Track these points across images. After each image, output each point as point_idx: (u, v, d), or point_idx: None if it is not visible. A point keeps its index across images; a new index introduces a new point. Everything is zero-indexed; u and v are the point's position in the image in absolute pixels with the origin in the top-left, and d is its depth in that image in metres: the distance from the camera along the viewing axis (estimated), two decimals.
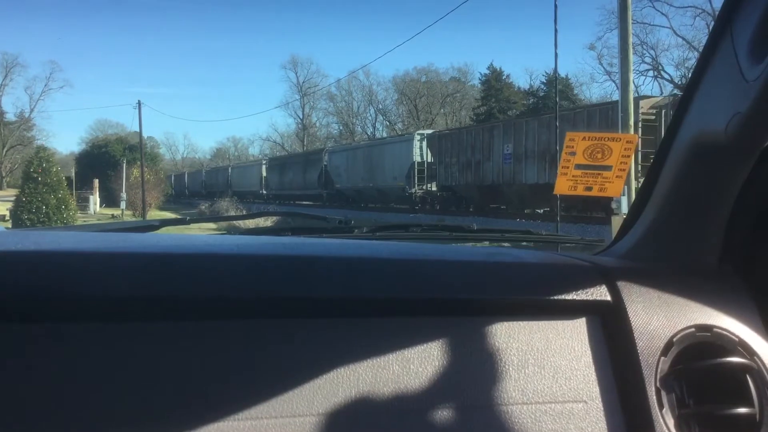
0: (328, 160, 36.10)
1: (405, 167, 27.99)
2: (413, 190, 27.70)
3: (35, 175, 18.78)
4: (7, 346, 0.79)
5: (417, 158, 27.58)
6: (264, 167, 46.50)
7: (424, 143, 27.72)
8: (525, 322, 0.99)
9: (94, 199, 35.38)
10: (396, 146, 29.56)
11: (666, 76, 43.70)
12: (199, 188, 59.08)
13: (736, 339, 1.02)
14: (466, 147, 24.22)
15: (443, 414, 0.90)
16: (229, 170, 54.08)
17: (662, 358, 0.99)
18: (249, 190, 47.21)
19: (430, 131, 31.05)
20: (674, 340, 1.00)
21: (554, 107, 10.81)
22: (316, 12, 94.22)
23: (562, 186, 2.11)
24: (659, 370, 0.98)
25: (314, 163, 38.02)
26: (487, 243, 1.75)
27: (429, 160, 27.32)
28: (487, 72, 55.95)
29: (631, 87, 11.32)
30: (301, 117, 68.31)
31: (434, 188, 27.55)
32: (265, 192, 45.31)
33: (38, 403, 0.77)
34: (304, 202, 39.15)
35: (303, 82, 67.97)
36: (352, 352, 0.90)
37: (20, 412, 0.76)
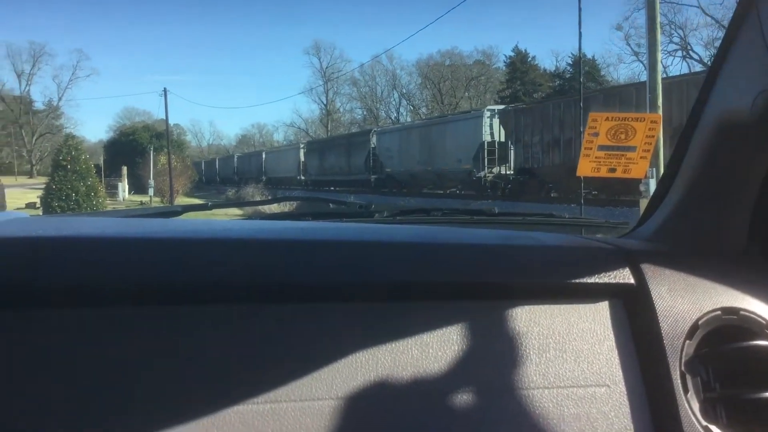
0: (376, 141, 32.92)
1: (472, 148, 24.22)
2: (482, 174, 23.97)
3: (64, 163, 19.02)
4: (27, 331, 0.80)
5: (487, 137, 23.89)
6: (302, 152, 43.53)
7: (496, 120, 23.81)
8: (546, 306, 0.98)
9: (123, 186, 35.73)
10: (461, 124, 25.76)
11: (695, 55, 42.92)
12: (230, 174, 55.84)
13: (763, 322, 1.00)
14: (552, 122, 20.13)
15: (462, 398, 0.89)
16: (263, 155, 51.42)
17: (687, 341, 0.97)
18: (285, 176, 44.77)
19: (501, 106, 26.47)
20: (699, 323, 0.99)
21: (579, 89, 10.68)
22: None
23: (585, 167, 2.08)
24: (684, 354, 0.96)
25: (360, 145, 34.78)
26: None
27: (500, 140, 23.56)
28: (512, 54, 55.54)
29: (659, 67, 11.13)
30: (324, 102, 68.43)
31: (508, 171, 23.58)
32: (303, 178, 42.47)
33: (60, 386, 0.78)
34: (349, 189, 35.17)
35: (326, 67, 68.05)
36: (371, 336, 0.90)
37: (43, 397, 0.78)
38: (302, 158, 42.85)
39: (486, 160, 23.71)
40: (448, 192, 27.19)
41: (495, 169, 23.82)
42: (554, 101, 22.70)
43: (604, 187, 17.55)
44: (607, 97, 18.97)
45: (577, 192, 17.40)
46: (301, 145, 45.48)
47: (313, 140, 52.17)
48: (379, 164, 32.24)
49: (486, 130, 23.96)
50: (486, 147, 23.73)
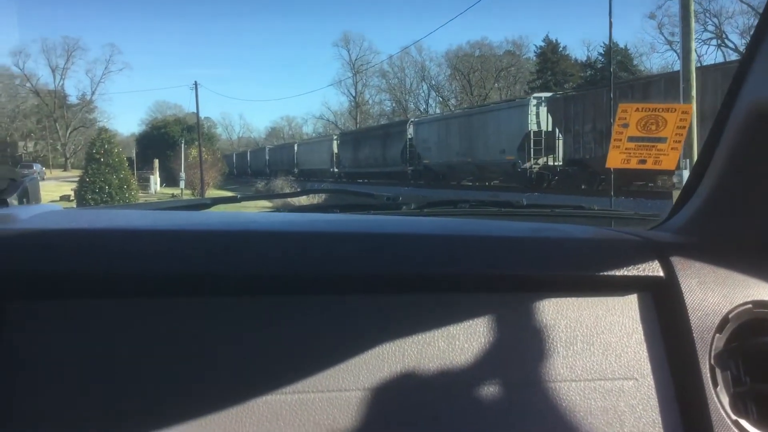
0: (413, 132, 31.32)
1: (517, 138, 22.76)
2: (527, 166, 22.44)
3: (98, 156, 19.33)
4: (64, 321, 0.82)
5: (533, 126, 22.31)
6: (335, 143, 42.10)
7: (543, 108, 22.19)
8: (574, 299, 0.98)
9: (155, 179, 36.12)
10: (504, 113, 24.05)
11: (730, 44, 42.01)
12: (262, 167, 54.56)
13: None
14: (605, 110, 18.03)
15: (489, 390, 0.89)
16: (296, 147, 49.96)
17: (717, 335, 0.96)
18: (318, 168, 43.70)
19: (548, 94, 24.56)
20: (730, 316, 0.97)
21: (610, 78, 10.52)
22: None
23: (615, 159, 2.05)
24: (714, 347, 0.95)
25: (396, 136, 33.41)
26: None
27: (548, 129, 22.02)
28: (543, 44, 54.99)
29: (693, 56, 10.93)
30: (353, 95, 68.47)
31: (556, 162, 22.23)
32: (336, 170, 41.07)
33: (92, 376, 0.80)
34: (384, 181, 34.54)
35: (355, 59, 68.05)
36: (398, 327, 0.91)
37: (65, 388, 0.79)
38: (335, 150, 41.68)
39: (532, 150, 22.19)
40: (490, 184, 25.81)
41: (541, 160, 22.45)
42: (608, 87, 20.46)
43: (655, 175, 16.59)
44: (657, 84, 17.84)
45: (631, 185, 16.87)
46: (335, 137, 44.29)
47: (346, 131, 51.13)
48: (416, 155, 31.04)
49: (532, 119, 22.38)
50: (532, 137, 22.22)
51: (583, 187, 19.57)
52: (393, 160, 33.23)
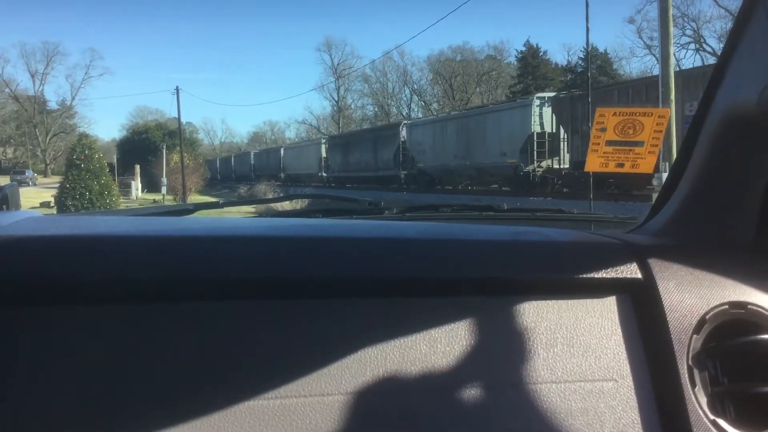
0: (406, 135, 30.31)
1: (519, 140, 21.71)
2: (530, 168, 21.45)
3: (78, 162, 19.14)
4: (40, 328, 0.81)
5: (536, 128, 21.28)
6: (323, 147, 40.97)
7: (547, 108, 21.16)
8: (554, 301, 0.99)
9: (136, 185, 35.83)
10: (505, 114, 22.98)
11: (708, 48, 42.52)
12: (247, 172, 53.98)
13: None
14: (665, 102, 16.27)
15: (470, 393, 0.90)
16: (282, 152, 49.41)
17: (695, 335, 0.97)
18: (306, 173, 42.73)
19: (551, 93, 23.35)
20: (707, 317, 0.99)
21: (587, 82, 10.63)
22: None
23: (593, 163, 2.07)
24: (691, 348, 0.96)
25: (387, 139, 32.19)
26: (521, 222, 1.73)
27: (552, 130, 20.93)
28: (524, 49, 55.39)
29: (672, 60, 11.06)
30: (336, 99, 68.45)
31: (561, 165, 20.94)
32: (325, 175, 39.89)
33: (69, 384, 0.80)
34: (375, 186, 32.40)
35: (338, 64, 68.10)
36: (380, 331, 0.91)
37: (50, 393, 0.79)
38: (324, 154, 40.63)
39: (535, 153, 21.25)
40: (489, 188, 24.60)
41: (545, 163, 21.41)
42: (620, 86, 20.59)
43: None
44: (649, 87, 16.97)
45: (644, 188, 15.53)
46: (323, 140, 43.28)
47: (335, 135, 50.25)
48: (410, 159, 30.01)
49: (535, 119, 21.34)
50: (535, 138, 21.24)
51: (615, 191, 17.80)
52: (385, 163, 32.19)
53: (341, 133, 51.91)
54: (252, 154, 58.38)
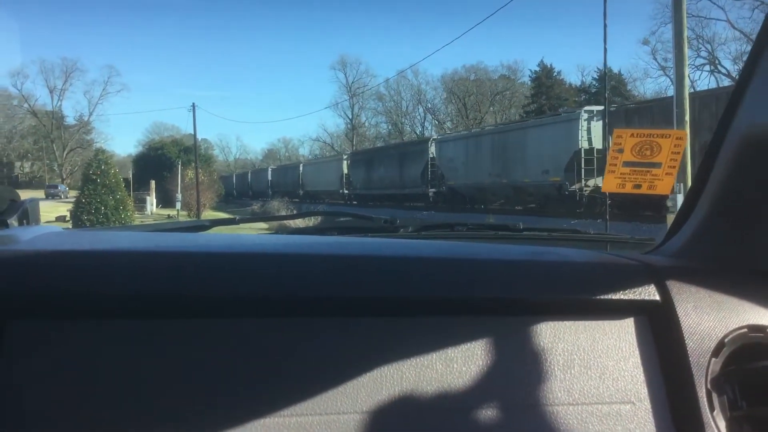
0: (435, 151, 28.54)
1: (564, 156, 19.91)
2: (576, 187, 19.56)
3: (94, 177, 19.31)
4: (57, 342, 0.82)
5: (584, 144, 19.46)
6: (345, 163, 39.39)
7: (596, 123, 19.16)
8: (571, 322, 0.98)
9: (151, 200, 36.05)
10: (549, 129, 20.98)
11: (723, 70, 42.41)
12: (264, 188, 53.02)
13: None
14: (679, 122, 14.30)
15: (486, 414, 0.89)
16: (301, 168, 47.93)
17: (713, 359, 0.96)
18: (325, 190, 41.58)
19: (600, 107, 19.65)
20: (726, 340, 0.98)
21: (604, 102, 10.60)
22: (365, 12, 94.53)
23: (610, 184, 2.06)
24: (710, 372, 0.96)
25: (415, 155, 30.48)
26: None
27: (600, 146, 18.57)
28: (538, 69, 55.41)
29: (687, 82, 11.03)
30: (350, 117, 68.70)
31: None
32: (346, 192, 38.63)
33: (84, 396, 0.80)
34: (402, 204, 31.59)
35: (352, 82, 68.33)
36: (396, 350, 0.91)
37: (63, 406, 0.79)
38: (345, 170, 39.21)
39: (583, 170, 19.34)
40: (527, 207, 22.63)
41: (592, 182, 19.36)
42: (655, 103, 19.02)
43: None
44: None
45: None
46: (345, 156, 41.60)
47: (358, 151, 48.97)
48: (438, 176, 28.37)
49: (583, 134, 19.48)
50: (583, 155, 19.38)
51: (647, 213, 16.82)
52: (412, 181, 30.59)
53: (364, 149, 50.73)
54: (269, 170, 57.38)
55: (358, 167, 37.85)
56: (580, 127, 19.45)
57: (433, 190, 28.99)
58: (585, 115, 19.72)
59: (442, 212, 24.92)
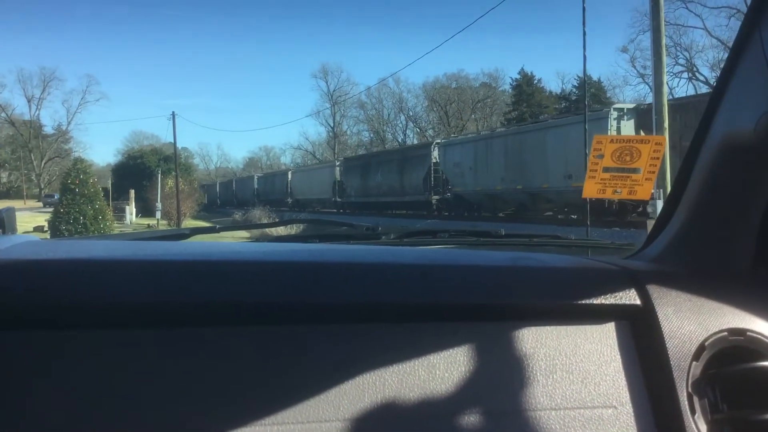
0: (440, 156, 26.61)
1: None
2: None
3: (73, 187, 19.11)
4: (32, 353, 0.80)
5: None
6: (338, 170, 37.45)
7: (628, 121, 17.37)
8: (553, 327, 0.98)
9: (130, 210, 35.71)
10: (572, 130, 18.10)
11: (701, 77, 43.03)
12: (249, 197, 50.29)
13: None
14: (659, 130, 13.26)
15: (469, 420, 0.89)
16: (289, 175, 45.95)
17: (694, 362, 0.97)
18: (316, 198, 39.80)
19: (631, 105, 18.38)
20: (706, 344, 0.98)
21: (584, 109, 10.62)
22: (346, 21, 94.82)
23: (591, 189, 2.09)
24: (691, 375, 0.96)
25: (416, 161, 28.59)
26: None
27: None
28: (518, 77, 55.88)
29: (665, 89, 11.18)
30: (331, 125, 68.75)
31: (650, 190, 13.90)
32: (339, 200, 36.65)
33: (62, 407, 0.79)
34: (402, 212, 29.90)
35: (333, 90, 68.46)
36: (378, 357, 0.90)
37: (42, 417, 0.78)
38: (338, 177, 37.06)
39: None
40: (545, 215, 20.90)
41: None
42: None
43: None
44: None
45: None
46: (337, 163, 39.39)
47: (352, 156, 46.98)
48: (442, 183, 26.62)
49: (613, 134, 16.38)
50: None
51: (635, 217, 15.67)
52: (413, 188, 28.49)
53: (360, 155, 48.11)
54: (256, 177, 54.90)
55: (352, 174, 35.70)
56: (609, 127, 17.34)
57: (436, 197, 27.17)
58: (614, 113, 17.66)
59: (451, 221, 23.24)
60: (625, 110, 17.95)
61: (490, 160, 23.00)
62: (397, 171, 30.08)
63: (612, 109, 17.89)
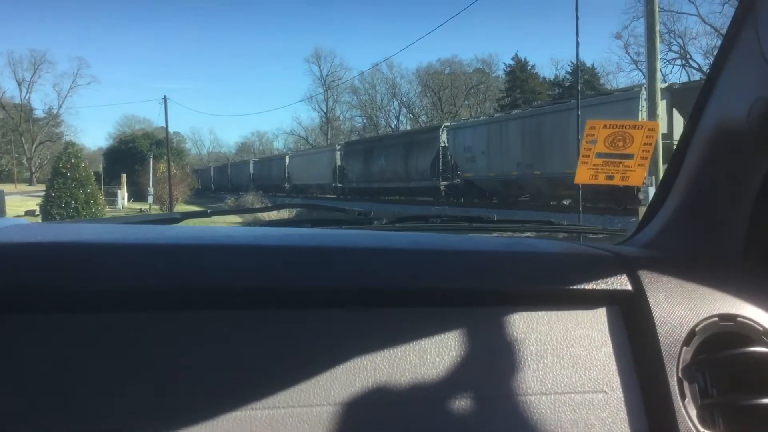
0: (448, 139, 25.37)
1: None
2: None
3: (64, 171, 18.99)
4: (21, 337, 0.80)
5: None
6: (338, 154, 35.96)
7: (661, 101, 13.93)
8: (544, 312, 0.99)
9: (122, 194, 35.55)
10: (599, 111, 15.78)
11: (694, 64, 43.04)
12: (245, 182, 49.19)
13: (761, 328, 1.00)
14: (651, 116, 12.63)
15: (460, 404, 0.89)
16: (287, 160, 44.07)
17: (684, 347, 0.97)
18: (316, 183, 38.37)
19: (664, 84, 15.66)
20: (696, 329, 0.99)
21: (577, 96, 10.58)
22: (339, 5, 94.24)
23: (583, 175, 2.09)
24: (681, 360, 0.97)
25: (423, 145, 27.11)
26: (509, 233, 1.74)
27: (665, 130, 14.68)
28: (512, 63, 55.78)
29: (659, 76, 11.18)
30: (324, 110, 68.52)
31: None
32: (340, 185, 35.37)
33: (55, 391, 0.78)
34: (409, 198, 28.22)
35: (326, 75, 68.21)
36: (369, 342, 0.90)
37: (32, 400, 0.78)
38: (338, 162, 35.66)
39: None
40: (567, 203, 19.69)
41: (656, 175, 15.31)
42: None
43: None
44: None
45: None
46: (338, 147, 37.77)
47: (354, 140, 45.46)
48: (451, 168, 25.34)
49: (643, 117, 15.68)
50: None
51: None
52: (420, 173, 27.10)
53: (362, 138, 47.25)
54: (251, 162, 53.75)
55: (354, 158, 34.11)
56: (639, 108, 16.02)
57: (444, 183, 25.83)
58: (645, 93, 15.09)
59: (461, 207, 22.10)
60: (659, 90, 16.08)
61: (504, 144, 21.79)
62: (402, 156, 28.75)
63: (643, 89, 15.91)
